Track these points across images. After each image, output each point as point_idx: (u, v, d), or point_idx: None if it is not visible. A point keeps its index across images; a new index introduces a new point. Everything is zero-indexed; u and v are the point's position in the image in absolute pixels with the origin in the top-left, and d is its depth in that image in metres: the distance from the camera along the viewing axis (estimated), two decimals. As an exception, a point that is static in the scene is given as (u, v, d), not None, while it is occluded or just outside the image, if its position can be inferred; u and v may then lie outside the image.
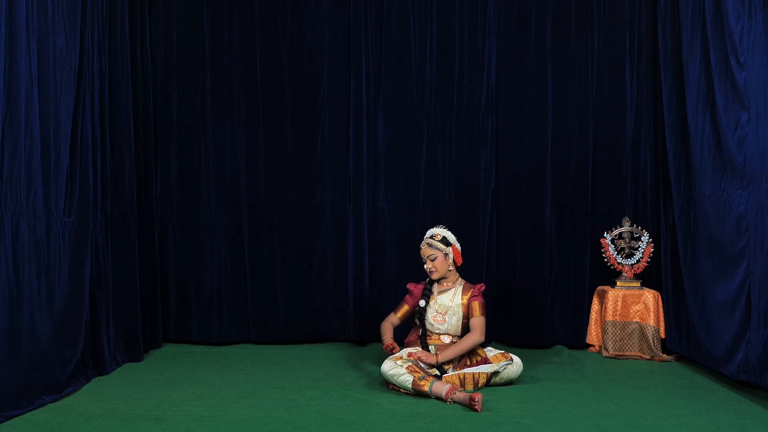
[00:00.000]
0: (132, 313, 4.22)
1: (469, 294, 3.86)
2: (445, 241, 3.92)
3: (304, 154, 4.84)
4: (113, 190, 4.15)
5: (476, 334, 3.77)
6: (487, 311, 4.68)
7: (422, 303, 3.87)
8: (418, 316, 3.88)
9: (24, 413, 3.15)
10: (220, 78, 4.81)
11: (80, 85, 3.79)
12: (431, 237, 3.93)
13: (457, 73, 4.81)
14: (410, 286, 4.02)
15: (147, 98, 4.54)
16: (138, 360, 4.24)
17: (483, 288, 3.91)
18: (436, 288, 3.94)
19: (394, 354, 3.70)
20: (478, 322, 3.80)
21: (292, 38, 4.83)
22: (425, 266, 3.91)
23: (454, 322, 3.83)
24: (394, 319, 3.97)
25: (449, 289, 3.91)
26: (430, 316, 3.86)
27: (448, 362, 3.76)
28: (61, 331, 3.57)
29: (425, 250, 3.90)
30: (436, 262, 3.87)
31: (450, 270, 3.92)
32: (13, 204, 3.19)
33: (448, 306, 3.85)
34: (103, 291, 4.00)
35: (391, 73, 4.82)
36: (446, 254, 3.90)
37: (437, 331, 3.84)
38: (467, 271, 4.54)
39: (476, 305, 3.83)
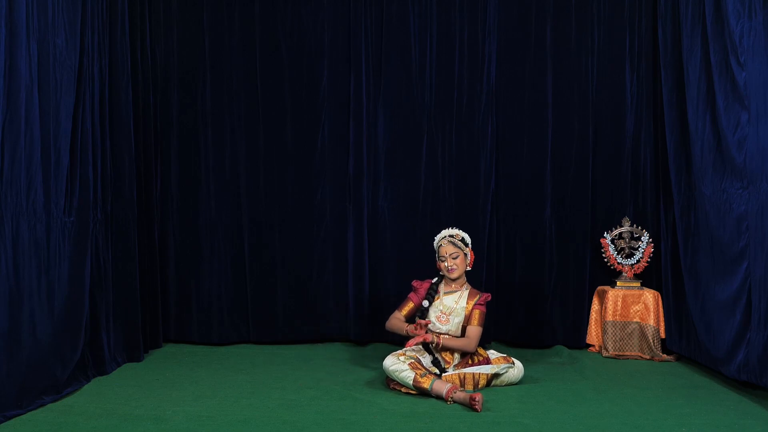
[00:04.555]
0: (132, 313, 4.22)
1: (474, 301, 3.85)
2: (464, 241, 3.95)
3: (304, 154, 4.84)
4: (113, 190, 4.15)
5: (470, 344, 3.77)
6: (487, 315, 4.71)
7: (425, 303, 3.87)
8: (419, 315, 3.88)
9: (24, 413, 3.15)
10: (220, 78, 4.81)
11: (80, 85, 3.78)
12: (451, 236, 3.93)
13: (457, 73, 4.81)
14: (415, 283, 4.01)
15: (147, 98, 4.53)
16: (138, 360, 4.24)
17: (489, 298, 3.91)
18: (442, 288, 3.93)
19: (420, 332, 3.68)
20: (474, 331, 3.79)
21: (292, 38, 4.83)
22: (444, 264, 3.88)
23: (456, 323, 3.82)
24: (399, 316, 3.93)
25: (456, 291, 3.90)
26: (434, 316, 3.85)
27: (444, 350, 3.77)
28: (61, 331, 3.57)
29: (448, 248, 3.88)
30: (458, 260, 3.87)
31: (465, 272, 3.93)
32: (13, 204, 3.19)
33: (453, 308, 3.84)
34: (103, 291, 4.00)
35: (391, 73, 4.82)
36: (465, 254, 3.91)
37: (438, 331, 3.83)
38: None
39: (477, 314, 3.82)
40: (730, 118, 3.71)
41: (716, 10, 3.86)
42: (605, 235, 4.67)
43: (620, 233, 4.66)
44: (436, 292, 3.92)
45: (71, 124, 3.70)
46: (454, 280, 3.90)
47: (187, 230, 4.84)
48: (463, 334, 3.82)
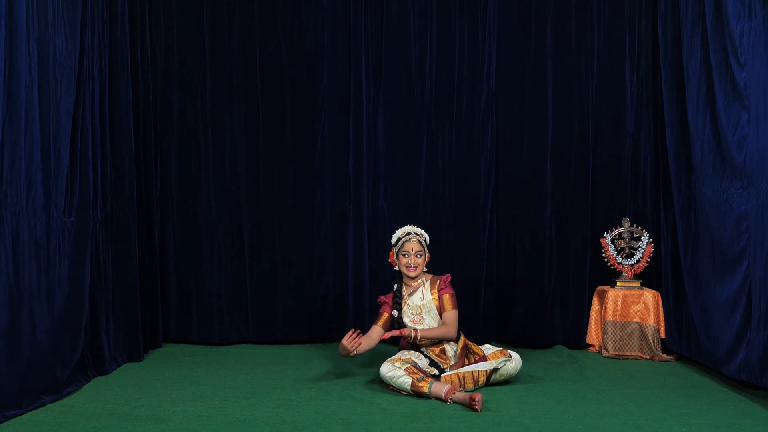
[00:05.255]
0: (132, 313, 4.22)
1: (437, 287, 3.85)
2: (426, 242, 3.95)
3: (304, 154, 4.84)
4: (113, 190, 4.15)
5: (450, 329, 3.76)
6: (484, 314, 4.71)
7: (395, 313, 3.86)
8: (397, 326, 3.85)
9: (24, 413, 3.15)
10: (220, 78, 4.82)
11: (80, 85, 3.78)
12: (417, 234, 3.91)
13: (457, 73, 4.81)
14: (381, 298, 3.96)
15: (147, 98, 4.54)
16: (138, 360, 4.24)
17: (449, 279, 3.89)
18: (405, 291, 3.91)
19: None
20: (450, 316, 3.79)
21: (292, 38, 4.83)
22: (407, 260, 3.84)
23: (432, 317, 3.82)
24: (377, 329, 3.85)
25: (418, 289, 3.89)
26: (408, 320, 3.84)
27: (430, 344, 3.77)
28: (61, 331, 3.57)
29: (414, 245, 3.85)
30: (420, 260, 3.87)
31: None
32: (13, 204, 3.19)
33: (421, 305, 3.84)
34: (103, 291, 4.00)
35: (391, 73, 4.82)
36: (425, 255, 3.91)
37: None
38: (468, 271, 4.55)
39: (447, 298, 3.81)
40: (730, 118, 3.71)
41: (716, 10, 3.86)
42: (605, 235, 4.67)
43: (620, 233, 4.66)
44: (401, 298, 3.90)
45: (71, 124, 3.70)
46: (412, 278, 3.89)
47: (187, 230, 4.84)
48: None
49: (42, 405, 3.29)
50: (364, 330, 4.71)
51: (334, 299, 4.85)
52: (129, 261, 4.21)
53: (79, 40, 3.78)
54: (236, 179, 4.84)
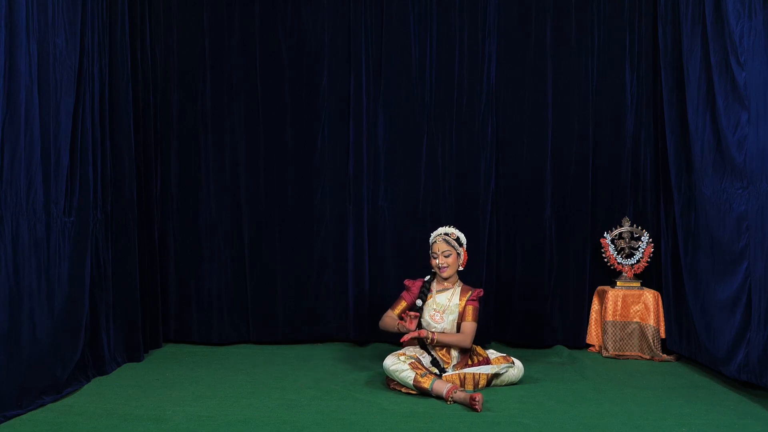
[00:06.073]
0: (132, 313, 4.22)
1: (467, 296, 3.85)
2: (459, 241, 3.93)
3: (304, 154, 4.84)
4: (113, 190, 4.15)
5: (465, 339, 3.76)
6: (485, 314, 4.70)
7: (419, 303, 3.86)
8: (412, 315, 3.85)
9: (24, 413, 3.15)
10: (220, 78, 4.81)
11: (80, 85, 3.78)
12: (446, 234, 3.91)
13: (457, 73, 4.81)
14: (408, 282, 3.99)
15: (147, 98, 4.54)
16: (138, 360, 4.24)
17: (481, 294, 3.90)
18: (435, 286, 3.93)
19: (411, 327, 3.66)
20: (468, 327, 3.79)
21: (292, 38, 4.83)
22: (436, 261, 3.86)
23: (450, 321, 3.82)
24: (392, 314, 3.90)
25: (448, 290, 3.90)
26: (428, 315, 3.85)
27: (440, 346, 3.76)
28: (61, 331, 3.57)
29: (440, 245, 3.87)
30: (450, 259, 3.86)
31: (457, 270, 3.92)
32: (13, 204, 3.19)
33: (446, 305, 3.84)
34: (103, 291, 4.00)
35: (392, 73, 4.82)
36: (459, 254, 3.90)
37: (433, 329, 3.82)
38: (467, 270, 4.54)
39: (470, 310, 3.81)
40: (730, 118, 3.71)
41: (716, 10, 3.86)
42: (605, 235, 4.67)
43: (620, 233, 4.66)
44: (429, 290, 3.91)
45: (71, 124, 3.70)
46: (445, 279, 3.90)
47: (187, 230, 4.84)
48: (458, 330, 3.82)
49: (42, 405, 3.29)
50: (363, 329, 4.77)
51: (334, 299, 4.85)
52: (129, 261, 4.21)
53: (79, 40, 3.78)
54: (236, 179, 4.84)
